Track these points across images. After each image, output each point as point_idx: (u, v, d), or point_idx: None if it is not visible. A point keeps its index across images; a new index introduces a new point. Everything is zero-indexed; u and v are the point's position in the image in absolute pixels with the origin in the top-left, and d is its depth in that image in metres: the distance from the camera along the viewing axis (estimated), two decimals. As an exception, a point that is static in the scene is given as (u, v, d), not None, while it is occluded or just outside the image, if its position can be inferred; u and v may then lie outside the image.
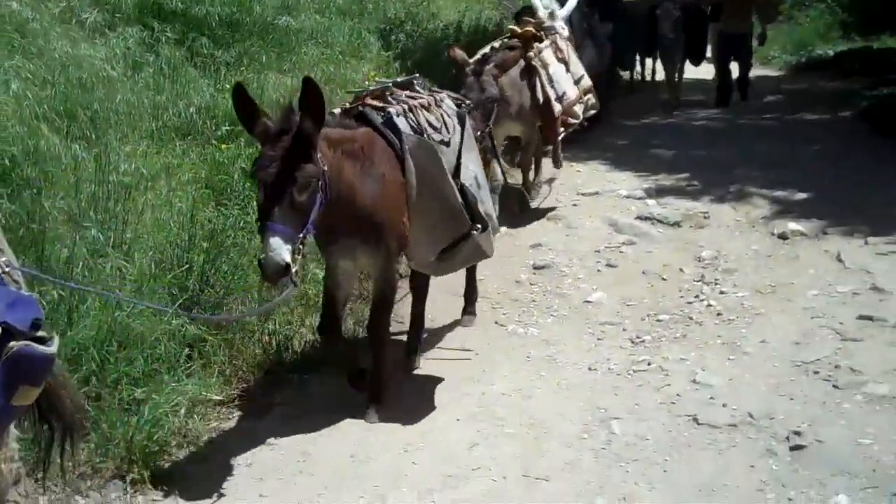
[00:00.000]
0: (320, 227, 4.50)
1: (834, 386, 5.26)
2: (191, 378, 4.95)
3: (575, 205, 8.77)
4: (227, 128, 6.85)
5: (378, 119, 5.05)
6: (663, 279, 7.12)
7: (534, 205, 8.92)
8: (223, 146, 6.57)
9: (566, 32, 9.03)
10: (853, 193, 8.63)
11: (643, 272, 7.23)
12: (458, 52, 7.39)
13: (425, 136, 5.20)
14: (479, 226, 5.41)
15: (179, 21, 7.89)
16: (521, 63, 8.00)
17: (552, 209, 8.73)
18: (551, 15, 8.99)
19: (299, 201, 4.19)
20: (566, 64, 8.51)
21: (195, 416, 4.92)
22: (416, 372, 5.79)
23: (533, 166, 9.19)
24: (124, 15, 7.62)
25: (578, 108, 8.70)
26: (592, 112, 9.22)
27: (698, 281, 7.02)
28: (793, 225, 7.89)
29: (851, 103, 13.02)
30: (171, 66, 7.36)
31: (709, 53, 15.23)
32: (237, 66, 7.93)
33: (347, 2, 10.62)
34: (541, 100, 8.12)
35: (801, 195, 8.82)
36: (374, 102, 5.23)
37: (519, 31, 8.27)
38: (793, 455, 4.59)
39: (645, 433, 4.90)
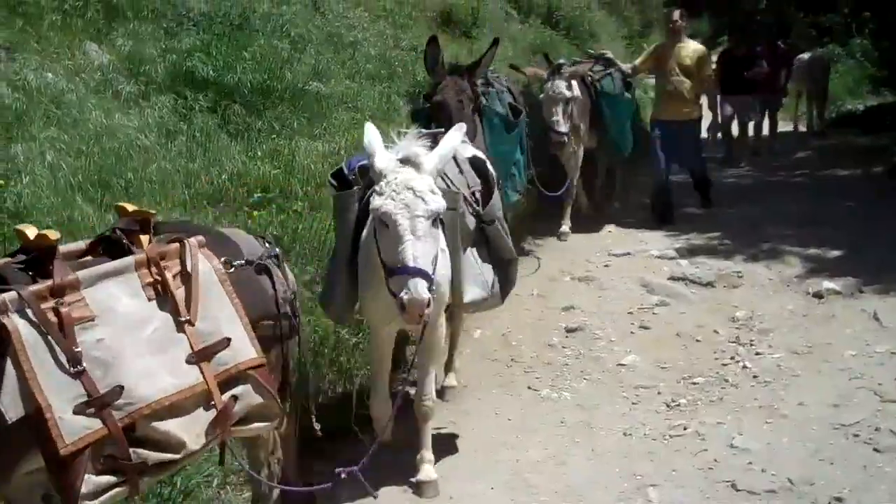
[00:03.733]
0: None
1: (875, 449, 5.18)
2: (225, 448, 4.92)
3: (606, 266, 8.72)
4: (259, 194, 6.89)
5: None
6: (697, 341, 7.05)
7: None
8: (255, 213, 6.60)
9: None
10: (887, 250, 8.56)
11: (677, 334, 7.17)
12: None
13: None
14: None
15: (212, 89, 7.97)
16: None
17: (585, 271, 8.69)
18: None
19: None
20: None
21: (228, 486, 4.88)
22: (448, 438, 5.73)
23: None
24: (158, 85, 7.73)
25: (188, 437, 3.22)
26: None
27: (733, 342, 6.96)
28: (827, 283, 7.83)
29: (882, 158, 12.97)
30: (203, 133, 7.44)
31: None
32: (269, 132, 8.00)
33: (377, 66, 10.70)
34: (12, 413, 2.83)
35: (835, 252, 8.77)
36: None
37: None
38: (835, 522, 4.52)
39: (682, 500, 4.83)
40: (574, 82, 9.26)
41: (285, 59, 8.89)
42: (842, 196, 11.20)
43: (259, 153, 7.46)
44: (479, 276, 5.15)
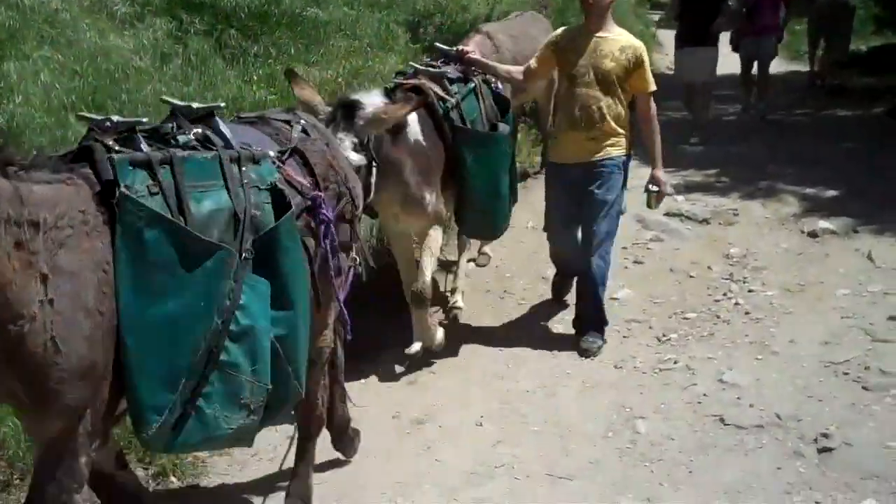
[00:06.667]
0: None
1: (863, 388, 5.21)
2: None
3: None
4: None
5: None
6: (691, 277, 7.06)
7: None
8: (250, 138, 6.55)
9: None
10: (884, 191, 8.56)
11: (671, 269, 7.18)
12: None
13: None
14: None
15: (208, 13, 7.85)
16: None
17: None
18: None
19: None
20: None
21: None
22: (438, 368, 5.75)
23: None
24: (153, 6, 7.62)
25: None
26: None
27: (726, 279, 6.96)
28: (823, 223, 7.83)
29: (884, 99, 12.88)
30: (199, 57, 7.34)
31: None
32: (265, 57, 7.90)
33: (376, -7, 10.59)
34: None
35: (832, 192, 8.76)
36: None
37: None
38: (820, 457, 4.55)
39: (670, 433, 4.87)
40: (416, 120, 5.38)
41: (283, -17, 8.77)
42: (841, 136, 11.14)
43: (255, 78, 7.38)
44: None
